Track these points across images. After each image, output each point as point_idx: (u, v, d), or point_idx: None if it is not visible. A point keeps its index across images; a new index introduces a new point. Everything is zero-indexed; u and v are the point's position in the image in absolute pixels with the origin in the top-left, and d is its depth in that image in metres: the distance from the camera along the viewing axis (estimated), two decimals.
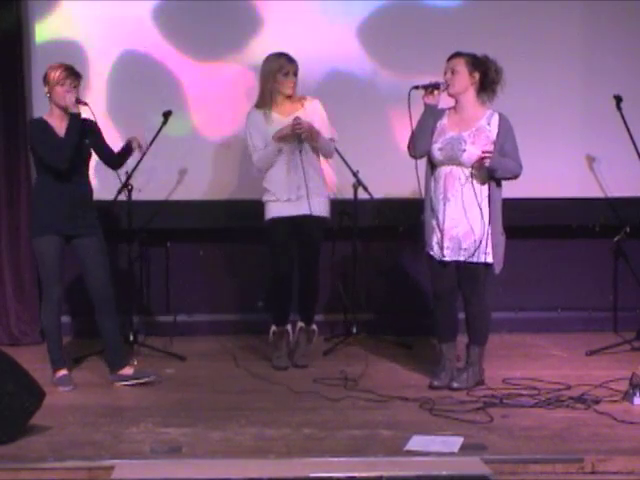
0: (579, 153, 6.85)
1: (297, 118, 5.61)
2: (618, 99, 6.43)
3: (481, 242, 5.24)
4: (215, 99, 6.35)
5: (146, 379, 5.49)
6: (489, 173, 5.23)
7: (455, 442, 4.37)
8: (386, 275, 6.90)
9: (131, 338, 6.26)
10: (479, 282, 5.31)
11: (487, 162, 5.17)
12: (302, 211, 5.72)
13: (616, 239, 6.68)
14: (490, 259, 5.28)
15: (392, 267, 6.85)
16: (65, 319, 5.78)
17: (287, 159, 5.71)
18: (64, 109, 5.35)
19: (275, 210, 5.75)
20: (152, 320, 6.81)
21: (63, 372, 5.47)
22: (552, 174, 6.75)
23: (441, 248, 5.30)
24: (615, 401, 5.05)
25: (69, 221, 5.36)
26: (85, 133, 5.40)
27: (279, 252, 5.79)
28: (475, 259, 5.26)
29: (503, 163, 5.23)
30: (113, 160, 5.61)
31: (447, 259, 5.29)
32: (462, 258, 5.28)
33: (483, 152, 5.18)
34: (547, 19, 6.77)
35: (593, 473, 4.19)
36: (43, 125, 5.36)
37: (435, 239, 5.32)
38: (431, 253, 5.35)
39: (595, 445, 4.38)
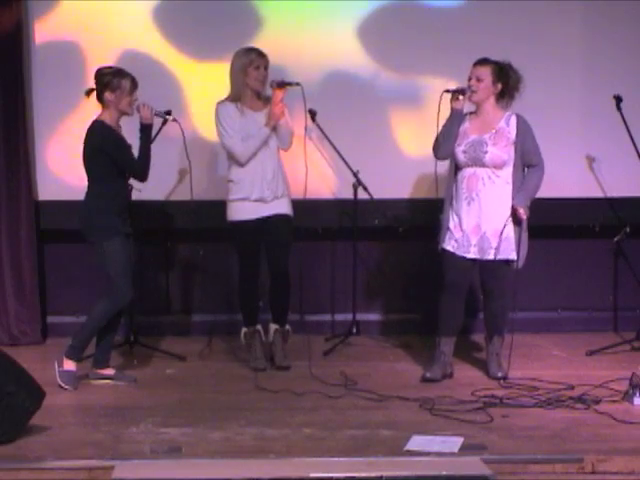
0: (579, 153, 6.85)
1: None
2: (618, 99, 6.42)
3: (507, 240, 5.39)
4: (215, 99, 6.32)
5: (123, 383, 5.52)
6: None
7: (455, 442, 4.37)
8: (386, 275, 6.90)
9: (131, 338, 6.27)
10: (505, 279, 5.46)
11: (523, 215, 5.41)
12: (269, 211, 5.72)
13: (616, 239, 6.68)
14: (514, 255, 5.42)
15: (392, 267, 6.85)
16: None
17: (259, 157, 5.71)
18: (123, 115, 5.50)
19: (243, 211, 5.73)
20: (152, 320, 6.80)
21: (72, 366, 5.43)
22: (552, 174, 6.70)
23: (465, 246, 5.43)
24: (615, 401, 5.05)
25: (127, 222, 5.53)
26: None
27: (247, 254, 5.78)
28: (503, 257, 5.41)
29: (531, 193, 5.52)
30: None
31: (472, 256, 5.43)
32: (491, 257, 5.40)
33: (516, 209, 5.41)
34: (547, 19, 6.77)
35: (593, 473, 4.19)
36: (115, 131, 5.47)
37: (455, 236, 5.45)
38: (448, 248, 5.46)
39: (595, 445, 4.38)
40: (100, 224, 5.42)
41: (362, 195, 6.47)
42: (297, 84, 5.61)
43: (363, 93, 6.74)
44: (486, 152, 5.41)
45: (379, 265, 6.91)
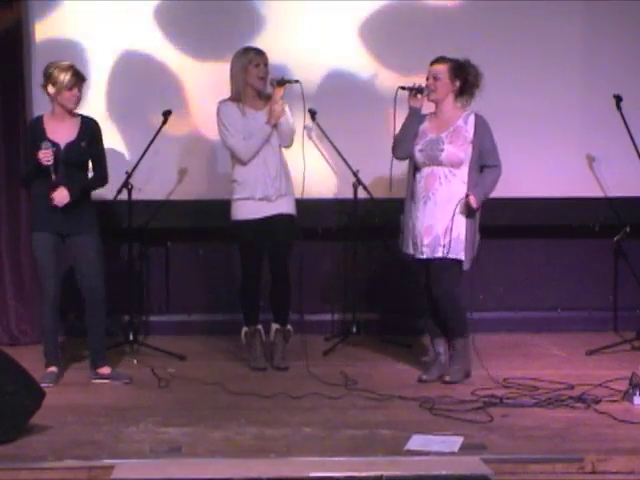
0: (579, 153, 6.85)
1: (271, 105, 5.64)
2: (618, 99, 6.42)
3: (458, 239, 5.35)
4: (215, 99, 6.34)
5: (119, 382, 5.50)
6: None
7: (455, 442, 4.37)
8: (386, 275, 6.90)
9: (131, 338, 6.27)
10: (451, 278, 5.39)
11: (473, 203, 5.32)
12: (273, 210, 5.72)
13: (616, 239, 6.68)
14: (463, 256, 5.38)
15: (392, 267, 6.84)
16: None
17: (262, 155, 5.71)
18: (68, 111, 5.43)
19: (246, 210, 5.72)
20: (152, 320, 6.80)
21: (51, 369, 5.50)
22: (552, 174, 6.76)
23: (420, 246, 5.43)
24: (615, 401, 5.05)
25: (61, 220, 5.40)
26: (86, 135, 5.47)
27: (249, 253, 5.78)
28: (452, 255, 5.36)
29: (486, 189, 5.40)
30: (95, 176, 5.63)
31: (424, 257, 5.42)
32: (439, 255, 5.38)
33: (467, 196, 5.33)
34: (548, 19, 6.77)
35: (593, 473, 4.19)
36: (33, 128, 5.47)
37: (413, 240, 5.47)
38: (410, 252, 5.50)
39: (595, 445, 4.38)
40: (30, 216, 5.50)
41: (362, 195, 6.48)
42: (296, 81, 5.61)
43: (363, 92, 6.74)
44: (442, 150, 5.39)
45: (379, 265, 6.91)
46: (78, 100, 5.44)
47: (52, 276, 5.43)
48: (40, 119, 5.49)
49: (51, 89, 5.40)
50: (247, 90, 5.73)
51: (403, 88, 5.45)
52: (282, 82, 5.65)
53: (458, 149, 5.39)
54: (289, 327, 5.93)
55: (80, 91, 5.44)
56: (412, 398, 5.13)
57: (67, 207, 5.38)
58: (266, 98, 5.77)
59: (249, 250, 5.79)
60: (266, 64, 5.73)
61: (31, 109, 6.62)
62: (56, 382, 5.46)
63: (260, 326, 5.91)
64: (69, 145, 5.44)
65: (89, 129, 5.51)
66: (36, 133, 5.45)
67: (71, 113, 5.48)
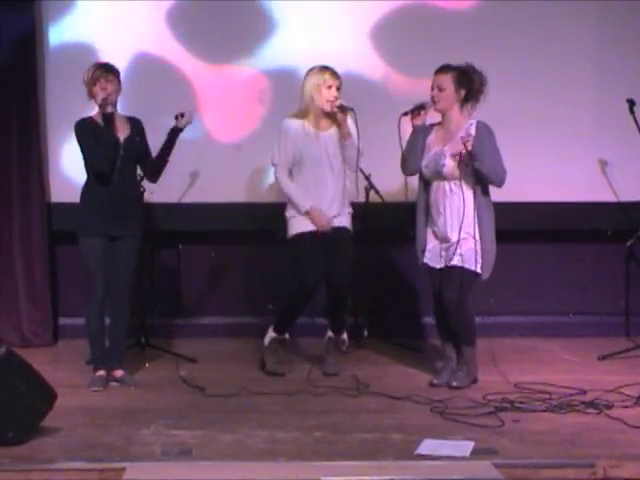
0: (591, 157, 6.83)
1: None
2: (631, 103, 6.40)
3: (473, 250, 5.33)
4: (227, 101, 6.34)
5: (125, 386, 5.50)
6: (473, 164, 5.25)
7: (466, 446, 4.36)
8: (397, 278, 6.89)
9: (142, 340, 6.28)
10: (462, 285, 5.37)
11: (469, 145, 5.20)
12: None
13: (628, 243, 6.66)
14: (479, 268, 5.37)
15: (403, 270, 6.84)
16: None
17: (314, 176, 5.67)
18: (103, 107, 5.40)
19: (302, 225, 5.68)
20: (163, 322, 6.81)
21: (100, 373, 5.49)
22: (564, 178, 6.74)
23: (436, 256, 5.44)
24: (627, 406, 5.04)
25: (112, 222, 5.42)
26: (137, 131, 5.50)
27: (309, 265, 5.66)
28: (466, 266, 5.34)
29: (484, 159, 5.27)
30: (152, 166, 5.62)
31: (440, 266, 5.42)
32: (454, 262, 5.37)
33: (462, 137, 5.23)
34: (561, 21, 6.76)
35: (605, 479, 4.18)
36: (86, 124, 5.43)
37: (429, 248, 5.48)
38: (425, 261, 5.50)
39: (607, 450, 4.37)
40: (77, 221, 5.47)
41: (374, 198, 6.47)
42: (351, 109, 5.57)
43: (376, 96, 6.73)
44: (444, 165, 5.35)
45: (390, 268, 6.90)
46: (108, 93, 5.35)
47: (101, 281, 5.43)
48: (90, 118, 5.45)
49: (87, 92, 5.41)
50: (314, 109, 5.65)
51: (406, 114, 5.43)
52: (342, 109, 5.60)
53: (459, 162, 5.31)
54: (344, 337, 5.87)
55: (108, 82, 5.36)
56: (423, 402, 5.12)
57: (118, 209, 5.40)
58: (330, 118, 5.68)
59: (308, 262, 5.65)
60: (339, 88, 5.64)
61: (44, 111, 6.65)
62: (105, 386, 5.45)
63: (287, 335, 5.87)
64: (127, 139, 5.45)
65: (137, 126, 5.52)
66: (92, 127, 5.41)
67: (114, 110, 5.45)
